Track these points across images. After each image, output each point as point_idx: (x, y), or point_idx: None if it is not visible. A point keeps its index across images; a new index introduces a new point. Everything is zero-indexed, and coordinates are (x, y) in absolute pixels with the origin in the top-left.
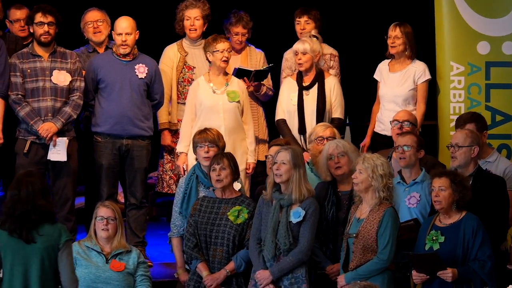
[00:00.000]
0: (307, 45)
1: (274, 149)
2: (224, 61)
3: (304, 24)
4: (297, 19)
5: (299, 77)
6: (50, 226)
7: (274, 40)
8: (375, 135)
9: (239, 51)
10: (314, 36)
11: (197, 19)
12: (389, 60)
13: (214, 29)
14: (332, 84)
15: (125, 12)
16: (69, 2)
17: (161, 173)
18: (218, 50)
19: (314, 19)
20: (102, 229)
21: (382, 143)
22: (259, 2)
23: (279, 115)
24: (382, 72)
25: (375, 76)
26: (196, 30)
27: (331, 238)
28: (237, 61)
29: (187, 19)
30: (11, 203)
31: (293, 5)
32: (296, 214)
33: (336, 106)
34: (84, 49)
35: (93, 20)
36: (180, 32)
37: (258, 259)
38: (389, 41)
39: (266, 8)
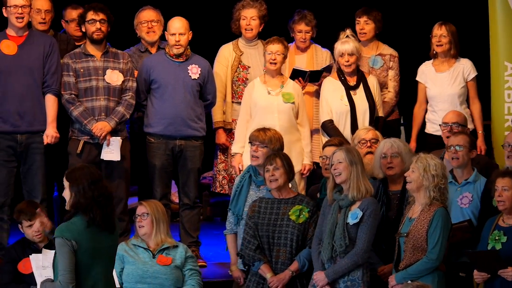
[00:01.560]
0: (352, 45)
1: (328, 149)
2: (272, 63)
3: (363, 24)
4: (357, 18)
5: (342, 77)
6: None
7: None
8: (428, 136)
9: (304, 50)
10: (351, 36)
11: (253, 19)
12: (431, 61)
13: (279, 31)
14: (374, 84)
15: (179, 12)
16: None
17: (215, 173)
18: (268, 52)
19: (374, 20)
20: (139, 227)
21: (435, 144)
22: (326, 2)
23: (325, 116)
24: (427, 73)
25: (418, 79)
26: (252, 30)
27: (382, 238)
28: (302, 61)
29: (243, 19)
30: (84, 196)
31: (359, 4)
32: (354, 215)
33: (379, 105)
34: (135, 49)
35: (148, 20)
36: (236, 31)
37: (317, 260)
38: (434, 40)
39: (333, 8)
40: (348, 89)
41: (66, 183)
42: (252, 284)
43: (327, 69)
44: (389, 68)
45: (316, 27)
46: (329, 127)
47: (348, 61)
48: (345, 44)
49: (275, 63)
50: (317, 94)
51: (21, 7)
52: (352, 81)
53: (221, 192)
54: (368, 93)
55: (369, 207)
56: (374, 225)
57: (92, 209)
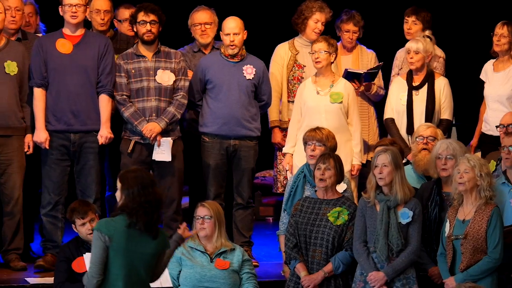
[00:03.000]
0: (420, 44)
1: (379, 149)
2: (316, 62)
3: (411, 24)
4: (406, 18)
5: (409, 77)
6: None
7: (386, 40)
8: (482, 135)
9: (350, 50)
10: (428, 37)
11: (322, 24)
12: (493, 60)
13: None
14: (442, 85)
15: (234, 11)
16: None
17: (276, 174)
18: (312, 51)
19: (422, 20)
20: (200, 228)
21: (488, 143)
22: (372, 2)
23: (387, 114)
24: (487, 72)
25: (481, 77)
26: (319, 32)
27: (434, 239)
28: (348, 61)
29: (316, 22)
30: (132, 200)
31: (406, 4)
32: (405, 215)
33: (445, 107)
34: (189, 48)
35: (201, 23)
36: (299, 28)
37: (368, 261)
38: (495, 39)
39: (378, 8)
40: (411, 88)
41: (118, 184)
42: (291, 283)
43: (376, 68)
44: (434, 69)
45: (363, 27)
46: (389, 126)
47: (412, 58)
48: (413, 42)
49: (319, 61)
50: (362, 95)
51: (75, 5)
52: (416, 81)
53: (283, 192)
54: (430, 94)
55: (416, 206)
56: (421, 223)
57: (137, 214)
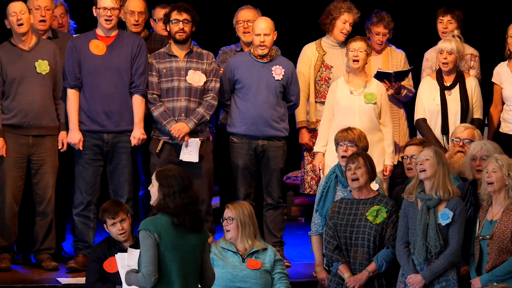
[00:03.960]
0: (453, 44)
1: (409, 149)
2: (355, 60)
3: (446, 23)
4: (440, 17)
5: (440, 77)
6: None
7: (415, 40)
8: (502, 135)
9: (379, 51)
10: (458, 37)
11: (350, 24)
12: (506, 62)
13: (355, 30)
14: (473, 85)
15: (266, 11)
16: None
17: (303, 174)
18: (350, 50)
19: (457, 19)
20: (225, 230)
21: (509, 143)
22: (401, 2)
23: (419, 115)
24: (502, 74)
25: (494, 80)
26: (347, 33)
27: (468, 239)
28: (377, 62)
29: (344, 22)
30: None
31: (434, 5)
32: (445, 216)
33: (476, 106)
34: (234, 47)
35: (244, 20)
36: (326, 29)
37: (408, 263)
38: (510, 41)
39: (407, 8)
40: (443, 89)
41: (155, 182)
42: (332, 284)
43: (405, 74)
44: (470, 68)
45: (393, 29)
46: (422, 126)
47: (445, 59)
48: (446, 42)
49: (358, 60)
50: (392, 98)
51: (110, 9)
52: (448, 81)
53: (310, 193)
54: (463, 94)
55: (457, 206)
56: (463, 224)
57: (182, 215)
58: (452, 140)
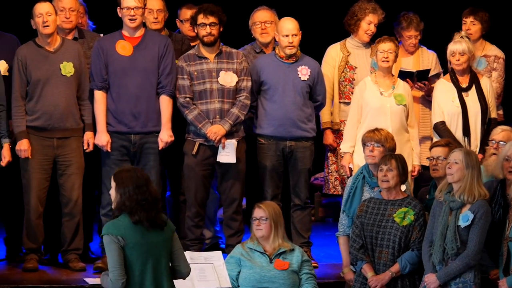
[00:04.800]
0: (464, 45)
1: (435, 150)
2: (384, 61)
3: (469, 25)
4: (464, 19)
5: (454, 79)
6: (162, 215)
7: (446, 41)
8: None
9: (411, 53)
10: (466, 37)
11: (375, 25)
12: None
13: (383, 30)
14: (487, 85)
15: (286, 12)
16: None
17: (327, 174)
18: (379, 51)
19: (481, 20)
20: (256, 229)
21: None
22: (430, 3)
23: (437, 117)
24: None
25: None
26: (371, 34)
27: (497, 241)
28: (409, 63)
29: (369, 23)
30: (130, 198)
31: (465, 5)
32: (465, 218)
33: (492, 106)
34: (250, 48)
35: (262, 21)
36: (351, 30)
37: (428, 263)
38: None
39: (437, 8)
40: (460, 90)
41: (113, 183)
42: (357, 284)
43: (436, 76)
44: (493, 70)
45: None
46: (441, 129)
47: (458, 60)
48: (456, 44)
49: (388, 61)
50: (423, 100)
51: (133, 8)
52: (464, 83)
53: (334, 193)
54: (480, 94)
55: (480, 209)
56: (485, 227)
57: (137, 211)
58: (489, 141)
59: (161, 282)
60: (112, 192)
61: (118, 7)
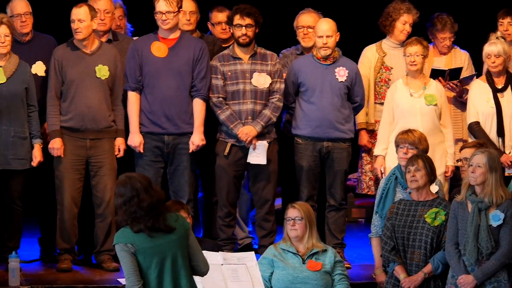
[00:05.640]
0: (500, 47)
1: (465, 151)
2: (412, 65)
3: (507, 25)
4: (500, 20)
5: (490, 79)
6: (170, 215)
7: (480, 41)
8: None
9: (444, 53)
10: (502, 37)
11: (410, 25)
12: None
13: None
14: None
15: (327, 13)
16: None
17: (361, 174)
18: (406, 54)
19: None
20: (290, 230)
21: None
22: (463, 2)
23: (472, 118)
24: None
25: None
26: (407, 34)
27: None
28: (441, 63)
29: (403, 23)
30: (130, 205)
31: (498, 5)
32: (496, 217)
33: None
34: (293, 50)
35: (304, 26)
36: (386, 30)
37: (459, 264)
38: None
39: (471, 9)
40: (495, 91)
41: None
42: (389, 286)
43: (470, 78)
44: None
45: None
46: (475, 129)
47: (494, 62)
48: (492, 46)
49: (415, 65)
50: (455, 101)
51: (165, 13)
52: (499, 83)
53: (368, 193)
54: None
55: (509, 208)
56: None
57: (133, 223)
58: None
59: (180, 282)
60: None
61: (154, 11)
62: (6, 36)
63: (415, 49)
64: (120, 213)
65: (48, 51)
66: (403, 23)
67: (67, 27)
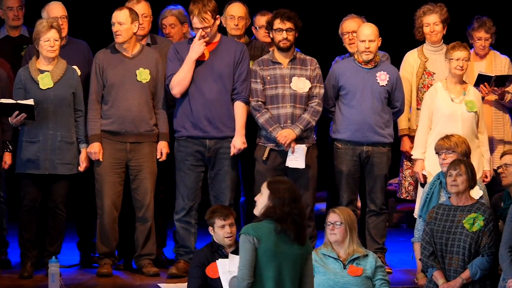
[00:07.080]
0: None
1: (506, 158)
2: (459, 69)
3: None
4: None
5: None
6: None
7: None
8: None
9: (482, 57)
10: None
11: (436, 25)
12: None
13: (457, 35)
14: None
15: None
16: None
17: (401, 179)
18: (453, 58)
19: None
20: (330, 234)
21: None
22: (505, 7)
23: None
24: None
25: None
26: (437, 34)
27: None
28: (481, 67)
29: (427, 26)
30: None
31: None
32: None
33: None
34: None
35: (349, 31)
36: (420, 38)
37: (510, 268)
38: None
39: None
40: None
41: (266, 191)
42: None
43: (510, 81)
44: None
45: (495, 33)
46: None
47: None
48: None
49: (462, 69)
50: (496, 103)
51: (201, 28)
52: None
53: (407, 198)
54: None
55: None
56: None
57: (287, 223)
58: None
59: None
60: (262, 199)
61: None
62: (55, 40)
63: (463, 54)
64: (277, 207)
65: (82, 56)
66: (427, 25)
67: (101, 33)
